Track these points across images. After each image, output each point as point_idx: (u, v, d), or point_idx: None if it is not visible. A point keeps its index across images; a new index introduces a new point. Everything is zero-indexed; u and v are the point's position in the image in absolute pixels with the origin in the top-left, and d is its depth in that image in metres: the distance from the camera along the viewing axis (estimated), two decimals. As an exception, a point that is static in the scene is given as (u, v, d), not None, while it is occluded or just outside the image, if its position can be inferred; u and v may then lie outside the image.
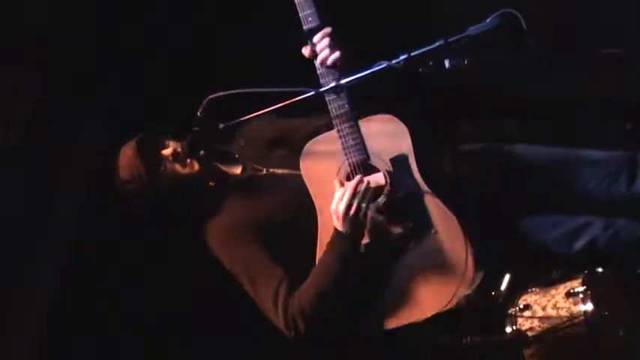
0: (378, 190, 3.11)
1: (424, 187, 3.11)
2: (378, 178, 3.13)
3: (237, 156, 3.41)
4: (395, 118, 3.18)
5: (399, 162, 3.13)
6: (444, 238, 3.09)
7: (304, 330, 3.12)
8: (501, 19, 2.95)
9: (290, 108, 3.11)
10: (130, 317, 4.33)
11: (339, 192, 3.10)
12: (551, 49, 3.91)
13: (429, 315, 3.12)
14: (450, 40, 2.98)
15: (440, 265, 3.10)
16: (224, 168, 3.38)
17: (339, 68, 3.18)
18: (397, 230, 3.12)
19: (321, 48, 3.18)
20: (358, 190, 3.08)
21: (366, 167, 3.16)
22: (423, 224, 3.11)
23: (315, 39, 3.19)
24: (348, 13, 3.73)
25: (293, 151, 3.28)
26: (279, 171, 3.37)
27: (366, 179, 3.12)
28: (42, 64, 4.22)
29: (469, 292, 3.16)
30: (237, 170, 3.39)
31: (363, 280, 3.14)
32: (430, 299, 3.12)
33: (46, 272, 4.28)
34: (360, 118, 3.17)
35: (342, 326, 3.21)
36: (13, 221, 4.20)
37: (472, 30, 2.97)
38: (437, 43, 3.00)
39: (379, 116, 3.20)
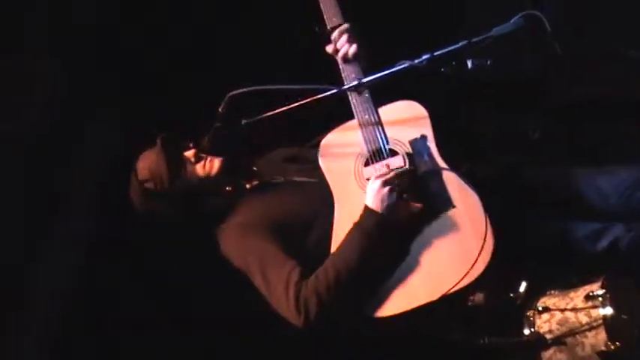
0: (402, 172, 3.15)
1: (443, 164, 3.14)
2: (397, 161, 3.16)
3: (255, 168, 3.44)
4: (414, 102, 3.21)
5: (418, 143, 3.18)
6: (463, 213, 3.13)
7: (316, 314, 3.09)
8: (525, 20, 2.95)
9: (310, 105, 3.14)
10: (139, 319, 4.35)
11: (381, 171, 3.15)
12: (574, 50, 3.91)
13: (447, 291, 3.11)
14: (474, 40, 2.99)
15: (460, 239, 3.13)
16: (242, 181, 3.41)
17: (359, 62, 3.21)
18: (416, 208, 3.14)
19: (341, 44, 3.23)
20: (398, 174, 3.13)
21: (385, 152, 3.18)
22: (442, 200, 3.14)
23: (334, 36, 3.24)
24: (373, 14, 3.75)
25: (310, 164, 3.32)
26: (297, 179, 3.39)
27: (385, 162, 3.16)
28: (58, 55, 4.23)
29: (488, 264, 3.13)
30: (254, 183, 3.43)
31: (383, 261, 3.14)
32: (450, 273, 3.13)
33: (56, 272, 4.28)
34: (380, 105, 3.20)
35: (355, 310, 3.18)
36: (22, 216, 4.22)
37: (496, 31, 2.98)
38: (460, 44, 3.00)
39: (399, 102, 3.25)
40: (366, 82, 3.13)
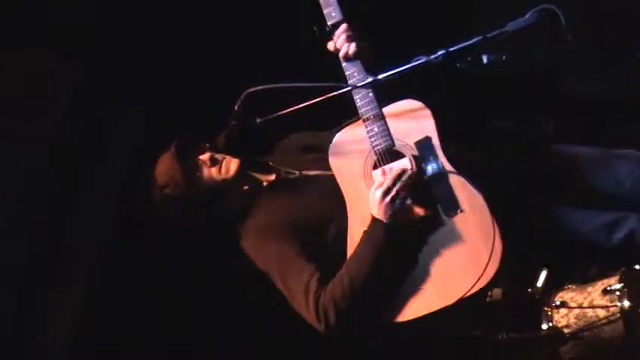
0: (408, 175, 3.13)
1: (449, 167, 3.13)
2: (404, 164, 3.15)
3: (270, 163, 3.44)
4: (418, 102, 3.20)
5: (423, 145, 3.16)
6: (470, 216, 3.11)
7: (335, 321, 3.12)
8: (540, 15, 2.94)
9: (325, 102, 3.14)
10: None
11: (379, 179, 3.12)
12: (590, 47, 3.91)
13: (460, 296, 3.11)
14: (489, 35, 2.98)
15: (469, 243, 3.11)
16: (258, 176, 3.41)
17: (360, 60, 3.20)
18: (424, 212, 3.13)
19: (340, 44, 3.22)
20: (397, 178, 3.11)
21: (392, 154, 3.20)
22: (450, 204, 3.12)
23: (335, 36, 3.23)
24: (382, 9, 3.75)
25: (324, 156, 3.32)
26: (312, 172, 3.40)
27: (393, 165, 3.15)
28: (80, 53, 4.25)
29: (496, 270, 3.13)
30: (271, 177, 3.43)
31: (396, 268, 3.15)
32: (461, 279, 3.11)
33: (79, 271, 4.30)
34: (385, 106, 3.19)
35: (372, 318, 3.20)
36: (46, 214, 4.24)
37: (511, 26, 2.98)
38: (475, 39, 3.00)
39: (403, 102, 3.23)
40: (382, 78, 3.11)
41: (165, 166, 3.36)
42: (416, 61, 3.04)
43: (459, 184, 3.12)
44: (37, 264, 4.18)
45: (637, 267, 3.52)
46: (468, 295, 3.10)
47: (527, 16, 2.96)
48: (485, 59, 3.02)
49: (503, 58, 3.01)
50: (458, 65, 3.03)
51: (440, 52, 3.02)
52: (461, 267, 3.11)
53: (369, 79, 3.15)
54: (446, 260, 3.13)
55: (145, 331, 4.33)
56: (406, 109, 3.22)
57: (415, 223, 3.14)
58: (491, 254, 3.06)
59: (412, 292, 3.17)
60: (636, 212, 3.29)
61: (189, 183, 3.34)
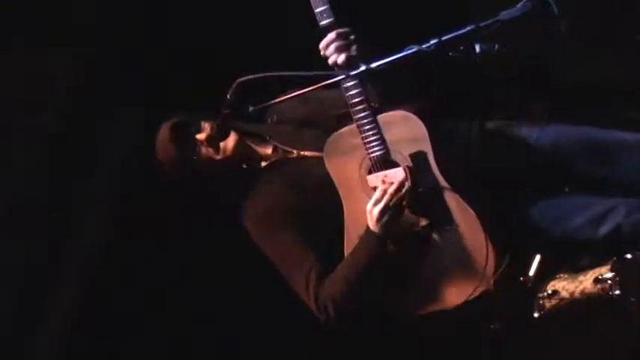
0: (402, 186, 3.13)
1: (443, 182, 3.14)
2: (398, 174, 3.15)
3: (268, 137, 3.43)
4: (412, 115, 3.19)
5: (418, 158, 3.15)
6: (464, 233, 3.12)
7: (335, 316, 3.20)
8: (533, 4, 2.94)
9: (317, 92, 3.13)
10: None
11: (377, 193, 3.13)
12: (582, 35, 3.90)
13: (450, 307, 3.18)
14: (482, 24, 2.98)
15: (461, 260, 3.13)
16: (255, 147, 3.41)
17: (349, 68, 3.16)
18: (417, 226, 3.15)
19: (330, 53, 3.18)
20: (395, 193, 3.11)
21: (386, 162, 3.18)
22: (444, 219, 3.14)
23: (321, 46, 3.19)
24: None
25: (323, 132, 3.30)
26: (309, 153, 3.39)
27: (388, 173, 3.15)
28: (80, 45, 4.24)
29: (490, 287, 3.16)
30: (268, 150, 3.42)
31: (390, 273, 3.18)
32: (452, 293, 3.18)
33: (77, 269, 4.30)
34: (379, 114, 3.18)
35: (371, 313, 3.26)
36: (46, 207, 4.23)
37: (503, 15, 2.97)
38: (468, 28, 2.99)
39: (398, 112, 3.21)
40: (376, 67, 3.09)
41: (161, 146, 3.37)
42: (408, 50, 3.03)
43: (453, 200, 3.13)
44: (36, 263, 4.17)
45: (628, 256, 3.54)
46: (457, 306, 3.16)
47: (519, 5, 2.95)
48: (478, 48, 3.01)
49: (496, 47, 3.00)
50: (450, 54, 3.02)
51: (432, 42, 3.01)
52: (452, 283, 3.17)
53: (362, 68, 3.12)
54: (438, 275, 3.19)
55: (144, 330, 4.33)
56: (401, 120, 3.20)
57: (409, 237, 3.16)
58: (483, 273, 3.09)
59: (405, 298, 3.25)
60: (627, 199, 3.29)
61: (185, 164, 3.35)
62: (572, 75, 4.45)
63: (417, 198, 3.14)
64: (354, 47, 3.18)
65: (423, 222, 3.15)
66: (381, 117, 3.18)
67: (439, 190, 3.14)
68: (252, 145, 3.42)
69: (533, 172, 3.35)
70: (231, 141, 3.35)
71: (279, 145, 3.42)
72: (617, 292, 3.46)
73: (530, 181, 3.35)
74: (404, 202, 3.13)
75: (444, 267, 3.16)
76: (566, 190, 3.35)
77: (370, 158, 3.19)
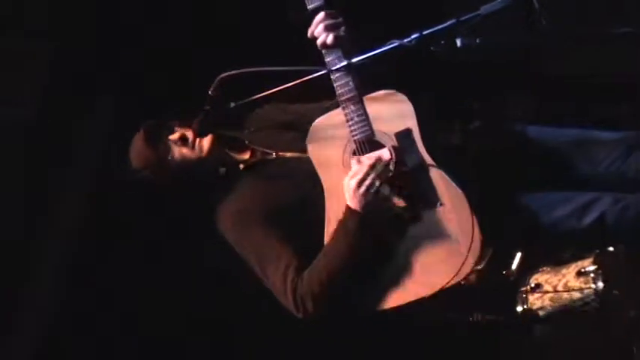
0: (386, 165, 3.12)
1: (429, 160, 3.12)
2: (383, 154, 3.14)
3: (246, 142, 3.42)
4: (399, 93, 3.18)
5: (404, 137, 3.13)
6: (450, 211, 3.10)
7: (312, 310, 3.14)
8: (514, -3, 2.94)
9: (300, 87, 3.12)
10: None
11: (353, 168, 3.12)
12: (564, 28, 3.91)
13: (437, 289, 3.11)
14: (463, 18, 2.98)
15: (447, 238, 3.10)
16: (233, 154, 3.40)
17: (339, 48, 3.18)
18: (403, 204, 3.13)
19: (318, 33, 3.18)
20: (372, 167, 3.09)
21: (371, 143, 3.17)
22: (429, 197, 3.12)
23: (313, 24, 3.21)
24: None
25: (302, 135, 3.30)
26: (289, 154, 3.38)
27: (372, 155, 3.14)
28: (53, 39, 4.23)
29: (478, 266, 3.15)
30: (246, 155, 3.41)
31: (372, 257, 3.15)
32: (439, 272, 3.11)
33: (52, 266, 4.29)
34: (365, 95, 3.18)
35: (350, 305, 3.22)
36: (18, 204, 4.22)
37: (484, 9, 2.96)
38: (449, 22, 2.99)
39: (383, 92, 3.19)
40: (356, 61, 3.10)
41: (137, 151, 3.36)
42: (389, 44, 3.03)
43: (438, 178, 3.11)
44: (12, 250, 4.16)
45: (610, 249, 3.55)
46: (444, 288, 3.11)
47: (500, -1, 2.96)
48: (459, 43, 3.02)
49: (477, 41, 3.00)
50: (432, 49, 3.02)
51: (413, 36, 3.01)
52: (440, 260, 3.11)
53: (343, 63, 3.13)
54: (424, 253, 3.14)
55: (120, 305, 4.32)
56: (387, 98, 3.18)
57: (392, 215, 3.14)
58: (469, 249, 3.06)
59: (389, 284, 3.17)
60: (609, 193, 3.30)
61: (162, 165, 3.33)
62: (553, 68, 4.46)
63: (402, 177, 3.13)
64: (342, 28, 3.18)
65: (408, 202, 3.13)
66: (367, 97, 3.17)
67: (425, 168, 3.12)
68: (230, 152, 3.41)
69: (516, 167, 3.35)
70: (206, 141, 3.33)
71: (258, 148, 3.41)
72: (600, 284, 3.46)
73: (514, 175, 3.35)
74: (389, 182, 3.12)
75: (429, 247, 3.12)
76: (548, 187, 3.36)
77: (355, 141, 3.17)
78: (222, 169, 3.38)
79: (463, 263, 3.06)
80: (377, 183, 3.08)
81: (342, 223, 3.14)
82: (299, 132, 3.35)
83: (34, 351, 4.26)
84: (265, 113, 3.46)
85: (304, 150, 3.28)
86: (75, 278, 4.32)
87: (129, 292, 4.31)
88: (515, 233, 3.42)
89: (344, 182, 3.12)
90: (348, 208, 3.12)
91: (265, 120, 3.47)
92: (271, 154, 3.41)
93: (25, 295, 4.22)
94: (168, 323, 4.37)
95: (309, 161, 3.28)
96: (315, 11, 3.20)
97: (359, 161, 3.13)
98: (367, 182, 3.08)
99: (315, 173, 3.26)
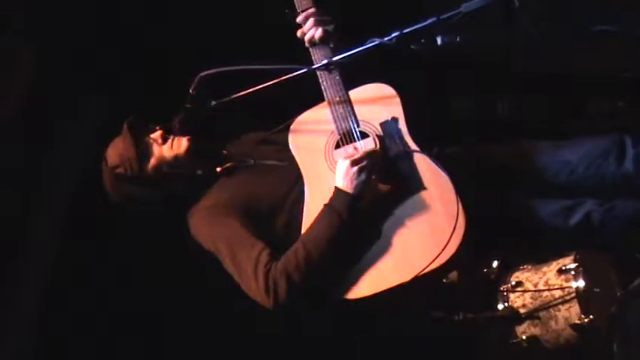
0: (377, 153, 3.14)
1: (414, 146, 3.14)
2: (367, 143, 3.15)
3: (225, 152, 3.43)
4: (385, 84, 3.20)
5: (388, 125, 3.17)
6: (434, 194, 3.12)
7: (285, 296, 3.07)
8: (494, -4, 2.94)
9: (282, 85, 3.13)
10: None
11: (349, 152, 3.15)
12: (544, 25, 3.91)
13: (419, 271, 3.08)
14: (443, 17, 2.98)
15: (431, 221, 3.12)
16: (212, 165, 3.40)
17: (327, 44, 3.20)
18: (387, 189, 3.14)
19: (307, 28, 3.22)
20: (367, 153, 3.12)
21: (356, 134, 3.17)
22: (414, 182, 3.13)
23: (300, 20, 3.24)
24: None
25: (281, 147, 3.31)
26: (268, 162, 3.38)
27: (357, 145, 3.15)
28: (38, 38, 4.21)
29: (462, 258, 3.13)
30: (226, 165, 3.41)
31: (353, 242, 3.14)
32: (421, 253, 3.10)
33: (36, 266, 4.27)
34: (350, 88, 3.19)
35: (326, 292, 3.18)
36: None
37: (465, 7, 2.97)
38: (429, 20, 3.00)
39: (369, 85, 3.23)
40: (336, 60, 3.12)
41: (117, 147, 3.35)
42: (370, 43, 3.04)
43: (423, 163, 3.14)
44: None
45: (591, 246, 3.55)
46: (427, 271, 3.08)
47: (481, -3, 2.96)
48: (439, 41, 3.02)
49: (458, 39, 3.01)
50: (412, 47, 3.03)
51: (394, 34, 3.02)
52: (422, 244, 3.11)
53: (323, 62, 3.15)
54: (407, 237, 3.14)
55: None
56: (374, 92, 3.22)
57: (378, 199, 3.15)
58: (452, 233, 3.06)
59: (371, 268, 3.14)
60: (591, 198, 3.31)
61: (141, 161, 3.33)
62: (532, 66, 4.47)
63: (387, 163, 3.13)
64: (332, 26, 3.21)
65: (391, 187, 3.14)
66: (353, 91, 3.23)
67: (409, 153, 3.14)
68: (207, 161, 3.41)
69: (497, 180, 3.37)
70: (185, 140, 3.34)
71: (237, 156, 3.42)
72: (582, 282, 3.47)
73: (499, 175, 3.37)
74: (373, 168, 3.12)
75: (415, 229, 3.13)
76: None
77: (340, 132, 3.19)
78: (199, 171, 3.38)
79: (447, 244, 3.06)
80: (369, 168, 3.10)
81: (328, 204, 3.13)
82: (276, 145, 3.36)
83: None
84: (244, 137, 3.54)
85: (283, 159, 3.30)
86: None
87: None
88: (498, 230, 3.42)
89: (337, 163, 3.13)
90: (336, 188, 3.12)
91: (243, 141, 3.53)
92: (250, 161, 3.41)
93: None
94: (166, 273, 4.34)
95: (287, 169, 3.29)
96: (304, 12, 3.24)
97: (347, 152, 3.14)
98: (362, 164, 3.09)
99: (293, 178, 3.27)
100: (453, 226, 3.06)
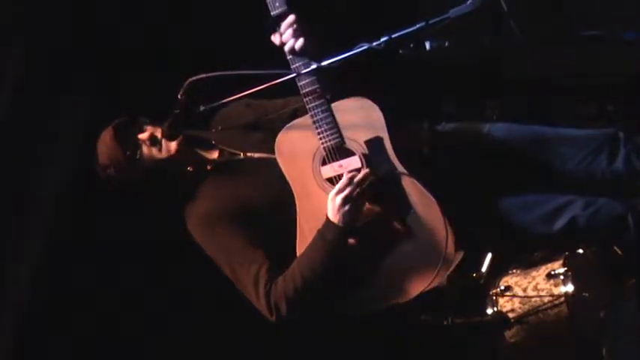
0: (366, 177, 3.11)
1: (400, 168, 3.11)
2: (353, 162, 3.13)
3: (213, 142, 3.40)
4: (368, 100, 3.16)
5: (374, 144, 3.12)
6: (422, 219, 3.10)
7: (286, 315, 3.12)
8: (482, 0, 2.94)
9: (269, 90, 3.11)
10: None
11: (341, 181, 3.09)
12: (531, 30, 3.92)
13: (411, 297, 3.12)
14: (431, 21, 2.98)
15: (420, 247, 3.10)
16: (201, 153, 3.38)
17: (306, 54, 3.16)
18: (376, 212, 3.13)
19: (287, 38, 3.15)
20: (356, 181, 3.07)
21: (341, 151, 3.15)
22: (402, 205, 3.11)
23: (281, 29, 3.18)
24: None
25: (270, 135, 3.27)
26: (257, 155, 3.36)
27: (343, 163, 3.13)
28: (24, 39, 4.20)
29: (449, 271, 3.15)
30: (214, 155, 3.39)
31: (347, 265, 3.15)
32: (412, 281, 3.11)
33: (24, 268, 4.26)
34: (333, 102, 3.16)
35: (324, 310, 3.22)
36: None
37: (453, 12, 2.97)
38: (418, 25, 2.99)
39: (352, 99, 3.17)
40: (325, 65, 3.09)
41: (105, 147, 3.33)
42: (358, 47, 3.02)
43: (410, 185, 3.11)
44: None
45: (580, 251, 3.56)
46: (418, 295, 3.12)
47: (469, 2, 2.95)
48: (427, 45, 3.02)
49: (446, 44, 3.01)
50: (400, 52, 3.02)
51: (382, 39, 3.01)
52: (413, 268, 3.11)
53: (313, 66, 3.12)
54: (398, 261, 3.13)
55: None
56: (356, 105, 3.17)
57: (368, 224, 3.14)
58: (444, 256, 3.07)
59: (363, 291, 3.17)
60: (580, 196, 3.30)
61: (130, 163, 3.31)
62: (521, 70, 4.48)
63: (374, 185, 3.12)
64: (310, 30, 3.17)
65: (381, 210, 3.13)
66: (335, 105, 3.15)
67: (396, 175, 3.11)
68: (198, 151, 3.39)
69: (485, 167, 3.36)
70: (174, 142, 3.31)
71: (226, 149, 3.39)
72: (570, 287, 3.48)
73: (484, 175, 3.35)
74: (364, 196, 3.11)
75: (403, 255, 3.12)
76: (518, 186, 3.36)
77: (324, 148, 3.16)
78: (190, 169, 3.37)
79: (437, 273, 3.07)
80: (360, 198, 3.09)
81: (320, 234, 3.14)
82: (265, 132, 3.33)
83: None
84: (229, 113, 3.43)
85: (271, 151, 3.27)
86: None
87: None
88: (487, 236, 3.42)
89: (329, 197, 3.10)
90: (327, 219, 3.12)
91: (231, 118, 3.44)
92: (239, 154, 3.39)
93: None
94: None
95: (277, 163, 3.27)
96: (279, 18, 3.17)
97: (334, 170, 3.12)
98: (353, 199, 3.08)
99: (283, 175, 3.25)
100: (443, 250, 3.06)
